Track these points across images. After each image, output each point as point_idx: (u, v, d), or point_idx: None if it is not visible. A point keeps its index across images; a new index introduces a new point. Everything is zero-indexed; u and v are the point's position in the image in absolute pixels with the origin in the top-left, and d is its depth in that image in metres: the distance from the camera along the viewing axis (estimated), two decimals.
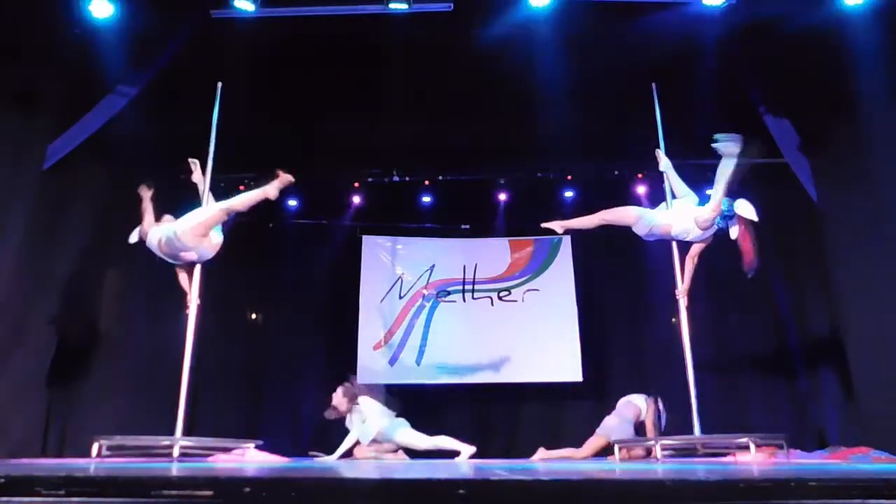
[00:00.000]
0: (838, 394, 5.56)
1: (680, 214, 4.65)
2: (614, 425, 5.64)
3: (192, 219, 4.38)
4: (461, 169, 7.31)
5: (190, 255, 4.39)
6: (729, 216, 4.44)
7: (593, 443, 5.64)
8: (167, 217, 4.49)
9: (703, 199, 4.63)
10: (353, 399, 5.71)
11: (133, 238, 4.43)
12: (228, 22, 4.89)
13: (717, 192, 4.37)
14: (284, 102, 6.06)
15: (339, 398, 5.71)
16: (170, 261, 4.44)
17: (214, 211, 4.40)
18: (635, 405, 5.77)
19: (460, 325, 7.54)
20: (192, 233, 4.32)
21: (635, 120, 5.40)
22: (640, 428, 5.70)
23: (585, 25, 4.98)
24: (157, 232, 4.36)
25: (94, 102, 5.10)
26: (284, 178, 4.41)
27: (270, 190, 4.40)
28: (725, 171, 4.32)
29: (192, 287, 4.53)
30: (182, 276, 4.55)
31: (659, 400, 5.78)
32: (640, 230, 4.75)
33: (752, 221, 4.38)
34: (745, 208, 4.40)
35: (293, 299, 7.50)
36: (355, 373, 6.72)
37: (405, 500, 1.43)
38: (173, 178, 6.07)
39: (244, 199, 4.47)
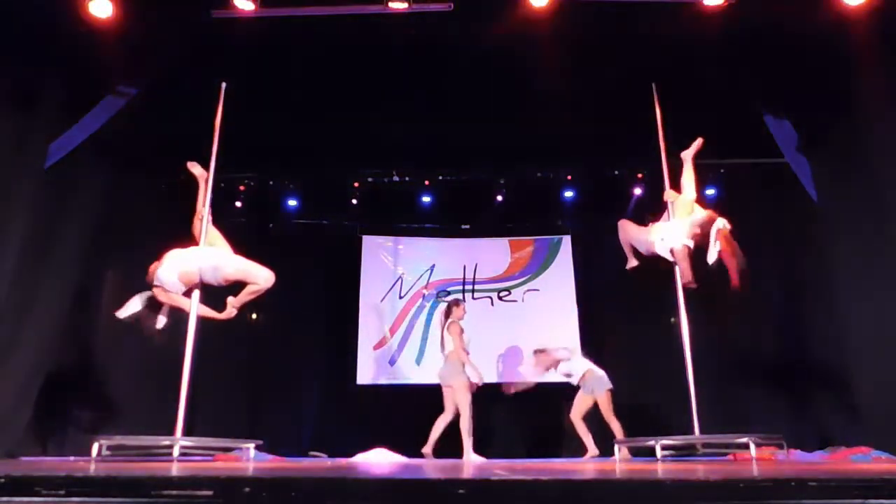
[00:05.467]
0: (838, 394, 5.55)
1: (659, 228, 4.78)
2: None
3: (242, 265, 4.39)
4: (461, 169, 7.31)
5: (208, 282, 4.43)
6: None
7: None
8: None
9: (701, 198, 4.65)
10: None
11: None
12: (228, 22, 4.89)
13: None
14: (284, 102, 6.05)
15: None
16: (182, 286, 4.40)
17: (262, 276, 4.39)
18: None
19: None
20: (232, 277, 4.35)
21: (635, 120, 5.39)
22: None
23: (585, 26, 4.97)
24: (184, 263, 4.30)
25: (94, 102, 5.10)
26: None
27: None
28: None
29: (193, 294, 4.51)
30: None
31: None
32: (643, 249, 4.93)
33: (729, 235, 4.42)
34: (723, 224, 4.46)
35: (293, 299, 7.50)
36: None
37: (405, 500, 1.43)
38: (173, 178, 6.09)
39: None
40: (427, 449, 5.57)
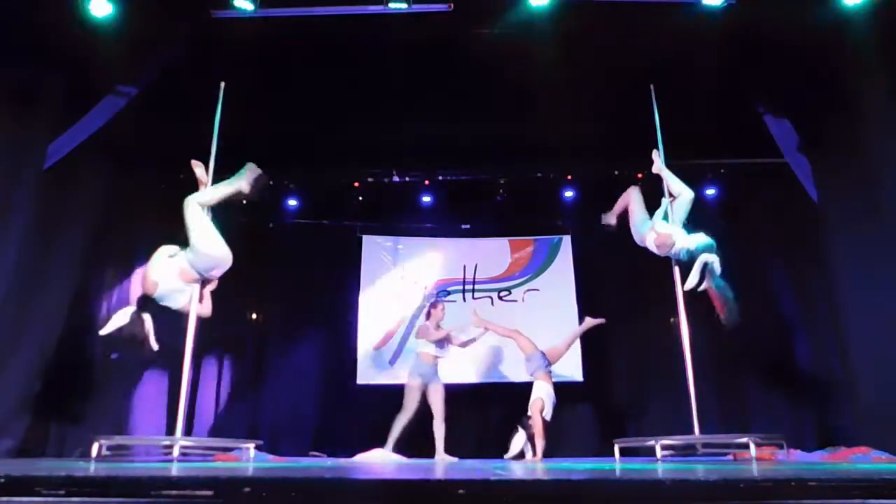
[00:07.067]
0: (838, 394, 5.55)
1: (656, 224, 4.87)
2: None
3: (198, 236, 4.29)
4: (461, 169, 7.31)
5: (214, 273, 4.38)
6: (695, 254, 4.56)
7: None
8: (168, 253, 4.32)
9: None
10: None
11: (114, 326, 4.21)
12: (228, 22, 4.89)
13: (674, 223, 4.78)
14: (284, 102, 6.05)
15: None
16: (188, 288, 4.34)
17: (193, 208, 4.30)
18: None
19: (460, 324, 7.53)
20: (206, 248, 4.27)
21: (635, 120, 5.40)
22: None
23: (585, 25, 4.97)
24: (165, 271, 4.26)
25: (94, 102, 5.10)
26: (254, 172, 4.46)
27: (243, 184, 4.44)
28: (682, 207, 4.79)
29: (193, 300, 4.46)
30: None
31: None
32: (636, 236, 5.02)
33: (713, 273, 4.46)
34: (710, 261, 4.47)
35: (293, 299, 7.50)
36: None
37: (405, 500, 1.43)
38: (173, 178, 6.09)
39: (216, 193, 4.44)
40: (442, 455, 5.69)
